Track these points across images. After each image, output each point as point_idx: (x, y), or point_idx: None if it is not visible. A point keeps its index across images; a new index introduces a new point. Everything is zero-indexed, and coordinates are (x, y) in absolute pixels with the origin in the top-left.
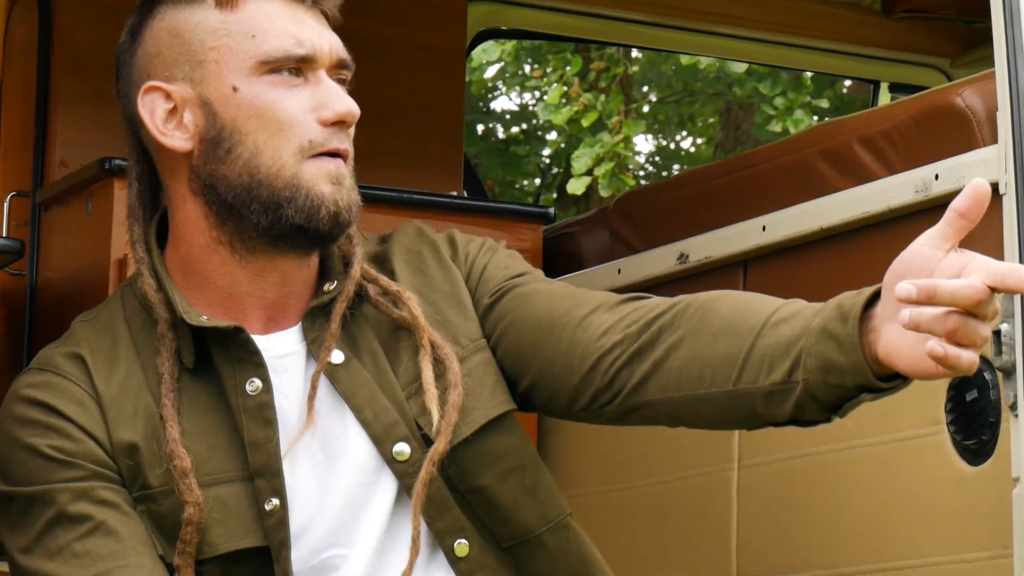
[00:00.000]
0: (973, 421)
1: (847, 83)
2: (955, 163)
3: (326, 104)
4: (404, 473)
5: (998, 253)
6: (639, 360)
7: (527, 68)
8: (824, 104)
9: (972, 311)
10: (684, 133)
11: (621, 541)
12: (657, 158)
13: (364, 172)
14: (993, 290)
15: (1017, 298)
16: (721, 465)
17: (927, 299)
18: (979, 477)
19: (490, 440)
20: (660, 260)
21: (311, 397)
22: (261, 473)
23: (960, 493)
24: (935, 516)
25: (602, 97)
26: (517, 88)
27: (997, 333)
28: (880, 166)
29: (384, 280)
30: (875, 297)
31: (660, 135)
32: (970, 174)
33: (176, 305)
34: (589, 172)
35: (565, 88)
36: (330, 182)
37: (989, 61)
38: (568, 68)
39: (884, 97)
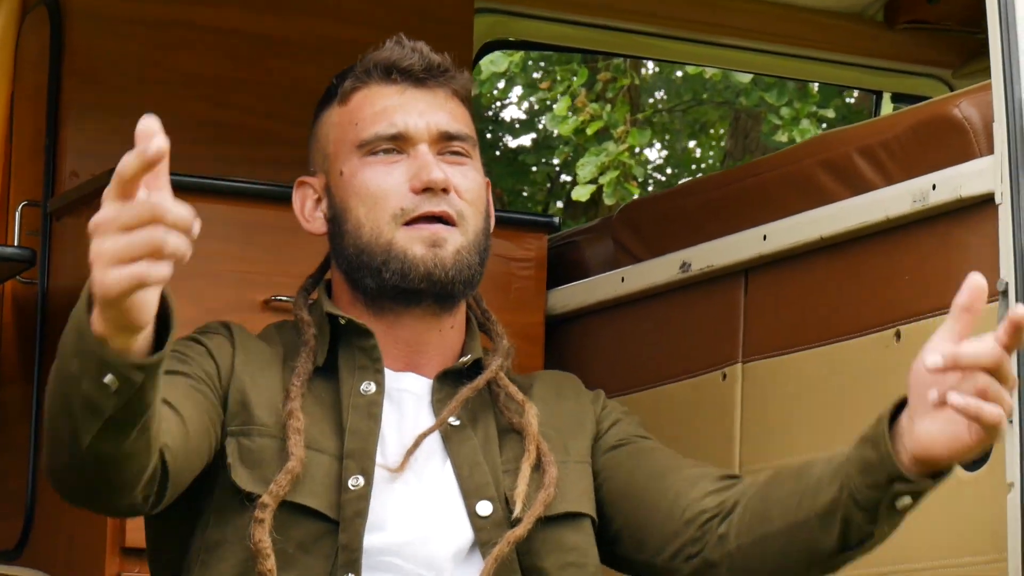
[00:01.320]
0: None
1: (854, 93)
2: (952, 173)
3: (416, 174)
4: (480, 527)
5: (994, 262)
6: (727, 519)
7: (536, 76)
8: (830, 114)
9: (993, 372)
10: (693, 144)
11: None
12: (668, 169)
13: None
14: (1007, 349)
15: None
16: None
17: (953, 364)
18: (976, 483)
19: (563, 531)
20: (663, 269)
21: (424, 434)
22: (353, 455)
23: (957, 498)
24: (933, 520)
25: (608, 107)
26: (527, 99)
27: None
28: (879, 176)
29: (512, 389)
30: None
31: (668, 141)
32: (967, 184)
33: (324, 305)
34: (594, 180)
35: (572, 99)
36: (424, 245)
37: (990, 72)
38: (575, 79)
39: (887, 107)
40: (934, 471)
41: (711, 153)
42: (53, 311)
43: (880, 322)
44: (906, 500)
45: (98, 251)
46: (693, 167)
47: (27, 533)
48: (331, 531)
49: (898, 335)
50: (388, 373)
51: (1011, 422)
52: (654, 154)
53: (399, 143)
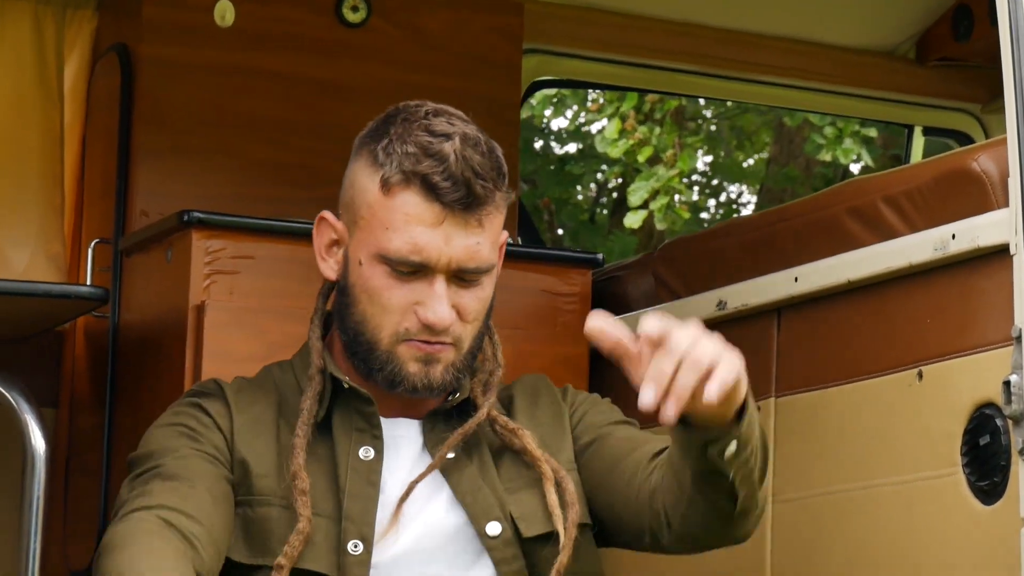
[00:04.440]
0: (986, 464)
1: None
2: (970, 224)
3: (425, 305)
4: (492, 547)
5: (1008, 311)
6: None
7: (590, 99)
8: (872, 133)
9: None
10: (739, 152)
11: (656, 574)
12: (715, 180)
13: None
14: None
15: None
16: None
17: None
18: (991, 516)
19: (576, 544)
20: (701, 306)
21: (415, 483)
22: (352, 518)
23: (974, 530)
24: (951, 551)
25: (657, 130)
26: (574, 107)
27: (1007, 384)
28: (902, 223)
29: (503, 419)
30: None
31: (713, 150)
32: (984, 235)
33: (327, 365)
34: (644, 205)
35: (622, 121)
36: (418, 362)
37: None
38: (623, 101)
39: (918, 140)
40: (729, 414)
41: (752, 161)
42: (124, 343)
43: (903, 362)
44: (729, 447)
45: None
46: (737, 171)
47: None
48: None
49: (920, 375)
50: (382, 421)
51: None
52: (701, 164)
53: (419, 268)
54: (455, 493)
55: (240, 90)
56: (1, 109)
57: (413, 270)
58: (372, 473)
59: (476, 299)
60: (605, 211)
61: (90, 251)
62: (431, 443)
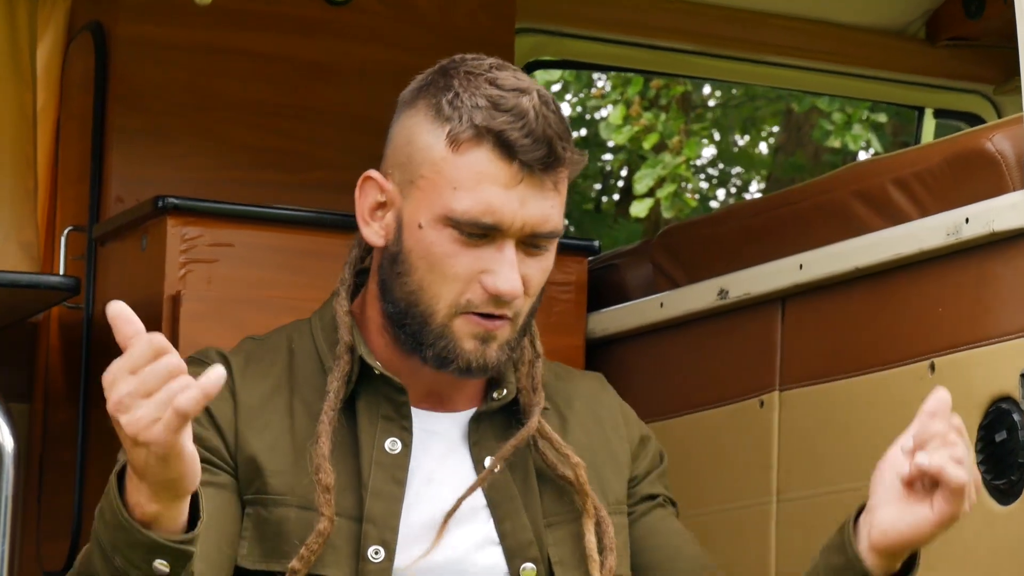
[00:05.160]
0: (1002, 461)
1: None
2: (985, 207)
3: (494, 273)
4: None
5: None
6: None
7: (597, 84)
8: (882, 119)
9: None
10: (743, 139)
11: None
12: (721, 165)
13: None
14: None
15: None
16: (761, 498)
17: (918, 444)
18: (1008, 517)
19: None
20: (701, 295)
21: (456, 506)
22: (374, 520)
23: (989, 532)
24: (967, 551)
25: (662, 116)
26: (580, 94)
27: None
28: (913, 207)
29: (556, 440)
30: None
31: (719, 137)
32: (999, 218)
33: (357, 344)
34: (651, 193)
35: (626, 107)
36: (475, 339)
37: None
38: (628, 87)
39: (929, 123)
40: (895, 568)
41: (759, 148)
42: (98, 335)
43: (915, 353)
44: None
45: (118, 400)
46: (744, 158)
47: (74, 552)
48: None
49: (932, 367)
50: (413, 413)
51: None
52: (707, 152)
53: (489, 232)
54: (494, 517)
55: (220, 70)
56: None
57: (483, 233)
58: (398, 469)
59: (540, 270)
60: (614, 197)
61: (63, 239)
62: (475, 447)
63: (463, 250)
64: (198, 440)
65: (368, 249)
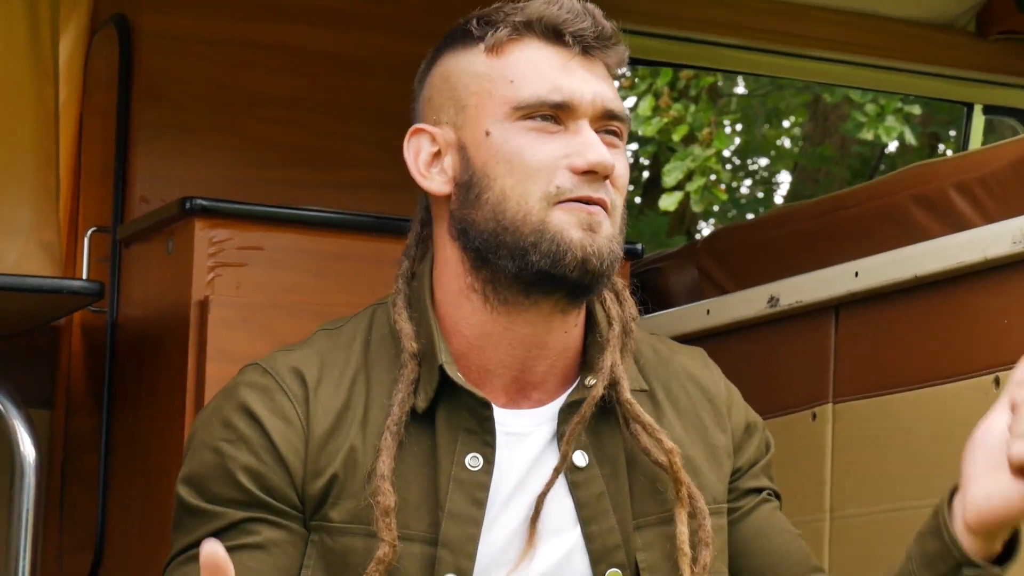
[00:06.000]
0: None
1: None
2: None
3: (580, 152)
4: None
5: None
6: None
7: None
8: (916, 111)
9: None
10: (768, 128)
11: None
12: (742, 159)
13: None
14: None
15: None
16: (814, 515)
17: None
18: None
19: None
20: (750, 302)
21: (542, 494)
22: (449, 546)
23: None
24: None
25: (692, 107)
26: None
27: None
28: (976, 213)
29: (649, 422)
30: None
31: (745, 128)
32: None
33: (439, 352)
34: (680, 186)
35: (656, 98)
36: (580, 228)
37: None
38: (657, 77)
39: (978, 119)
40: (996, 549)
41: (784, 139)
42: (122, 340)
43: (978, 367)
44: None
45: None
46: (772, 153)
47: (98, 564)
48: None
49: (997, 382)
50: (497, 414)
51: None
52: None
53: (561, 113)
54: (579, 517)
55: (249, 64)
56: None
57: (554, 115)
58: (479, 489)
59: (621, 164)
60: (638, 192)
61: (86, 240)
62: (561, 439)
63: (540, 138)
64: (256, 478)
65: (422, 249)
